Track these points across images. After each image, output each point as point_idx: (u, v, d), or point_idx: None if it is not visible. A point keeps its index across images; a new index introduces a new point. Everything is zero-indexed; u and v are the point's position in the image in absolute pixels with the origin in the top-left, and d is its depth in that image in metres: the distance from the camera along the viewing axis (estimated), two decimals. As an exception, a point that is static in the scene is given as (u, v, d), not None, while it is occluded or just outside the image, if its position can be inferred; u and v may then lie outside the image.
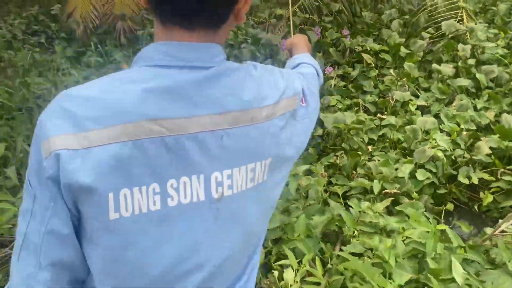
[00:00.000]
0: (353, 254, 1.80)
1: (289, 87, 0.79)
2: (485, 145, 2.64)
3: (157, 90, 0.64)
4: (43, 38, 5.18)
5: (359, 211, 2.02)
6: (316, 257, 1.71)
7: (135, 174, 0.62)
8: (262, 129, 0.72)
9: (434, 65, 3.52)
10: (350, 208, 2.14)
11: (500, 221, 1.93)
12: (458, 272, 1.49)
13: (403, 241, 1.89)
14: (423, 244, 1.78)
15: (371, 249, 1.87)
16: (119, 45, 4.69)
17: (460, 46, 3.83)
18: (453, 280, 1.54)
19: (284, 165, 0.79)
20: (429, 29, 4.33)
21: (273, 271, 1.67)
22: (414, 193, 2.40)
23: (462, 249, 1.74)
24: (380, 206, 2.04)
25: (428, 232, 1.88)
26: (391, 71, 3.60)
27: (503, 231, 1.79)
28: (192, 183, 0.66)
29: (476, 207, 2.76)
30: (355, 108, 3.36)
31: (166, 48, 0.68)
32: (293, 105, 0.79)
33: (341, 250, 1.92)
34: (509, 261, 1.67)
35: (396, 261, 1.73)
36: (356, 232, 1.93)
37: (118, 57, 3.82)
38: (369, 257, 1.82)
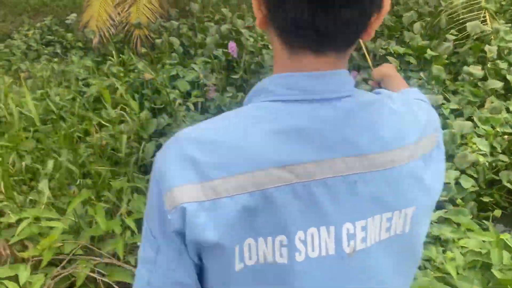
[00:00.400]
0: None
1: (430, 123, 0.68)
2: (527, 149, 2.58)
3: (286, 131, 0.57)
4: (58, 48, 5.16)
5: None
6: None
7: (261, 224, 0.57)
8: (403, 173, 0.62)
9: (465, 67, 3.47)
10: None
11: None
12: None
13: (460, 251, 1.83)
14: (484, 255, 1.72)
15: (428, 260, 1.81)
16: (136, 54, 4.66)
17: (487, 47, 3.77)
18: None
19: (428, 213, 0.69)
20: (452, 31, 4.27)
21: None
22: (459, 200, 2.34)
23: (527, 259, 1.68)
24: (434, 215, 1.98)
25: (484, 241, 1.82)
26: (421, 74, 3.54)
27: None
28: (320, 234, 0.59)
29: (517, 212, 2.70)
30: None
31: (289, 80, 0.61)
32: (434, 143, 0.68)
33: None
34: None
35: (458, 273, 1.67)
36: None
37: (140, 66, 3.78)
38: (426, 268, 1.76)
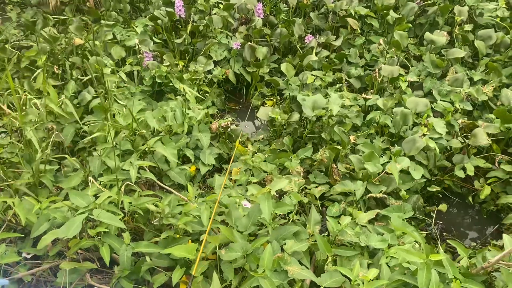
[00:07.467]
0: (328, 288, 1.52)
1: None
2: (482, 132, 2.32)
3: None
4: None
5: (338, 226, 1.73)
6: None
7: None
8: None
9: (427, 34, 3.13)
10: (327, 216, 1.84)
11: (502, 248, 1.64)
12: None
13: (387, 263, 1.61)
14: (410, 275, 1.50)
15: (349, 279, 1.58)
16: (85, 11, 4.18)
17: (456, 8, 3.42)
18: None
19: None
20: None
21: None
22: (403, 191, 2.10)
23: (458, 280, 1.45)
24: (364, 218, 1.75)
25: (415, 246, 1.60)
26: (380, 40, 3.19)
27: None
28: None
29: (470, 199, 2.48)
30: (338, 85, 2.99)
31: None
32: None
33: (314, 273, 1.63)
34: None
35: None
36: (330, 258, 1.63)
37: (71, 28, 3.36)
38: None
